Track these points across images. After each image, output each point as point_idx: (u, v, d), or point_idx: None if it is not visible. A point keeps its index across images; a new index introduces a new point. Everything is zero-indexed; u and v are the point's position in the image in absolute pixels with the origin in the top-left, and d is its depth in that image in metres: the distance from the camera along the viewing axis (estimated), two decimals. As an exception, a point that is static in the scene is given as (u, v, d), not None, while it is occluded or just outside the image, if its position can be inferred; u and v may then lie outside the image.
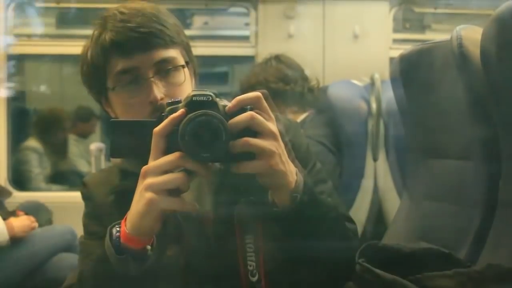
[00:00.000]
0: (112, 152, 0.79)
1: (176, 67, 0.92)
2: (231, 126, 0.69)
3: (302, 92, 1.93)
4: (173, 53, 0.92)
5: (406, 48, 1.30)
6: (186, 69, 0.93)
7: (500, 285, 0.62)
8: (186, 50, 0.96)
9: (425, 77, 1.21)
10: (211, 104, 0.70)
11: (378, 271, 0.69)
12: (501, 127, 0.95)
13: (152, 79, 0.88)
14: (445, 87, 1.15)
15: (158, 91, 0.88)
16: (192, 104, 0.70)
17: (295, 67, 1.98)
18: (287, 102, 1.90)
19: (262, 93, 0.74)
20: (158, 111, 0.78)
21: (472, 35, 1.05)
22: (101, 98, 0.96)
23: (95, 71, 0.92)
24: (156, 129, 0.71)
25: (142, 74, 0.89)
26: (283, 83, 1.91)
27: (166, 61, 0.91)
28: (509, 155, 0.94)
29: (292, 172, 0.75)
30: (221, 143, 0.68)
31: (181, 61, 0.93)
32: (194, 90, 0.72)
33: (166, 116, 0.71)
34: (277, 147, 0.71)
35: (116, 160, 0.96)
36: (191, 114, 0.69)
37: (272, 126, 0.72)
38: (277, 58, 1.98)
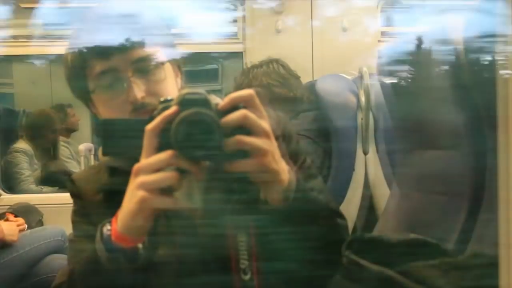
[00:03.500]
0: (104, 151, 0.79)
1: (156, 65, 0.91)
2: (224, 124, 0.69)
3: (300, 98, 1.95)
4: (152, 50, 0.91)
5: (394, 40, 1.31)
6: (167, 66, 0.93)
7: (485, 273, 0.63)
8: (168, 47, 0.96)
9: (411, 69, 1.22)
10: (203, 102, 0.70)
11: (364, 262, 0.70)
12: (485, 118, 0.96)
13: (132, 78, 0.88)
14: (431, 78, 1.16)
15: (138, 90, 0.87)
16: (185, 102, 0.70)
17: (293, 72, 1.99)
18: (287, 106, 1.90)
19: (255, 91, 0.74)
20: (140, 110, 0.78)
21: (457, 26, 1.05)
22: (86, 100, 0.96)
23: (75, 74, 0.92)
24: (149, 127, 0.70)
25: (121, 74, 0.88)
26: (286, 88, 1.92)
27: (144, 59, 0.90)
28: (493, 146, 0.95)
29: (284, 170, 0.74)
30: (214, 142, 0.68)
31: (161, 58, 0.92)
32: (186, 89, 0.72)
33: (158, 115, 0.71)
34: (270, 145, 0.71)
35: (104, 157, 0.96)
36: (183, 112, 0.69)
37: (265, 124, 0.72)
38: (277, 62, 1.97)
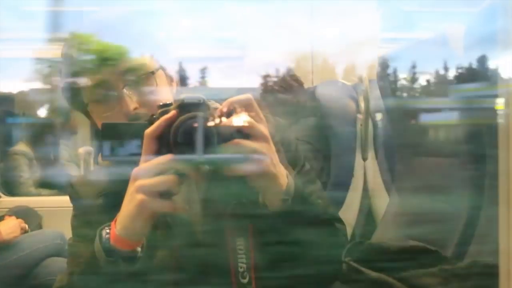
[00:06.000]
0: (104, 155, 0.79)
1: (147, 74, 0.90)
2: (223, 128, 0.69)
3: (302, 104, 1.96)
4: (141, 61, 0.91)
5: (394, 46, 1.31)
6: (159, 73, 0.93)
7: (484, 281, 0.63)
8: (158, 54, 0.95)
9: (410, 75, 1.23)
10: (202, 106, 0.70)
11: (363, 269, 0.69)
12: (484, 125, 0.96)
13: (124, 90, 0.88)
14: (430, 84, 1.16)
15: (131, 101, 0.87)
16: (183, 106, 0.70)
17: (298, 78, 2.01)
18: (289, 112, 1.91)
19: (253, 96, 0.74)
20: (134, 120, 0.78)
21: (456, 32, 1.06)
22: (82, 110, 0.96)
23: (71, 87, 0.92)
24: (148, 130, 0.71)
25: (112, 87, 0.88)
26: (290, 94, 1.93)
27: (134, 69, 0.90)
28: (492, 152, 0.95)
29: (282, 174, 0.75)
30: (213, 145, 0.68)
31: (151, 68, 0.92)
32: (185, 93, 0.73)
33: (157, 118, 0.71)
34: (268, 149, 0.71)
35: (104, 162, 0.96)
36: (182, 116, 0.69)
37: (263, 128, 0.72)
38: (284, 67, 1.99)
